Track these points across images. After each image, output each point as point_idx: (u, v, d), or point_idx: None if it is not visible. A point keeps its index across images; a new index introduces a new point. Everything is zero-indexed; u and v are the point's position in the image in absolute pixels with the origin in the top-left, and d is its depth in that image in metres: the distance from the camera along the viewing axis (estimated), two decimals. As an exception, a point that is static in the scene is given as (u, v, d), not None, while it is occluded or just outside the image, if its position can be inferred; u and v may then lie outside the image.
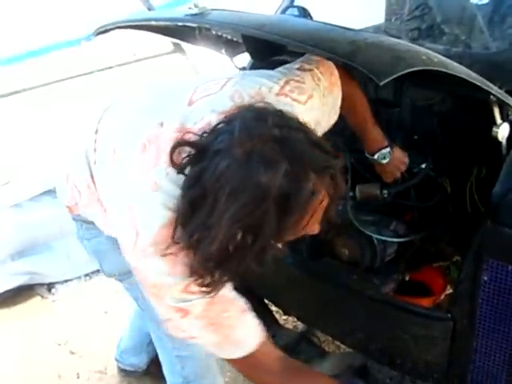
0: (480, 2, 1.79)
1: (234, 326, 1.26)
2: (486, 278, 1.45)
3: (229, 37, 1.77)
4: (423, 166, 1.80)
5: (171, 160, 1.11)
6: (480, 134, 1.75)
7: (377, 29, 1.88)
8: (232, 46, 1.86)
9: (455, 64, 1.20)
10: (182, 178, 1.11)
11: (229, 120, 1.08)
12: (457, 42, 1.71)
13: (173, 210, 1.12)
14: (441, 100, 1.70)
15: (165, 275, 1.16)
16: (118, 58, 3.44)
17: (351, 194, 1.77)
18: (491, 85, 1.30)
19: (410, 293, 1.90)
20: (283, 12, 1.80)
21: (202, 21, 1.31)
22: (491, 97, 1.38)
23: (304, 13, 1.70)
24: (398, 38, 1.76)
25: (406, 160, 1.73)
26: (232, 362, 1.32)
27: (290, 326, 2.38)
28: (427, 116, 1.81)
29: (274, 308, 2.28)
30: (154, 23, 1.47)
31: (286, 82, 1.25)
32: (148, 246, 1.15)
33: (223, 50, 1.91)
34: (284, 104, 1.20)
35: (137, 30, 1.67)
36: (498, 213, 1.42)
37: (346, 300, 1.73)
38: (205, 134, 1.10)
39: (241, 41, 1.69)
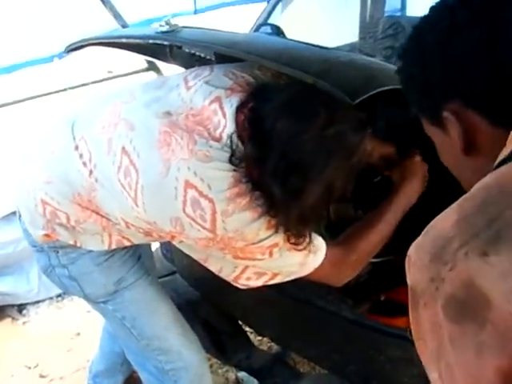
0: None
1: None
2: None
3: (202, 54, 1.75)
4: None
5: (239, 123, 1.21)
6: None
7: (351, 47, 1.87)
8: (205, 64, 1.85)
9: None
10: (222, 146, 1.22)
11: (277, 104, 1.15)
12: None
13: (232, 169, 1.20)
14: (414, 119, 1.69)
15: (250, 223, 1.22)
16: (93, 75, 3.41)
17: (325, 213, 1.74)
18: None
19: (384, 312, 1.84)
20: (257, 30, 1.79)
21: (174, 39, 1.29)
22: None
23: (277, 31, 1.69)
24: (372, 56, 1.76)
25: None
26: (316, 273, 1.38)
27: (265, 346, 2.34)
28: (401, 134, 1.80)
29: (248, 329, 2.24)
30: (125, 41, 1.45)
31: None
32: (226, 206, 1.20)
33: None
34: None
35: (110, 48, 1.66)
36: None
37: (321, 321, 1.70)
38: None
39: (213, 58, 1.68)
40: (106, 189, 1.36)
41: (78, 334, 2.67)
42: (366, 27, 2.13)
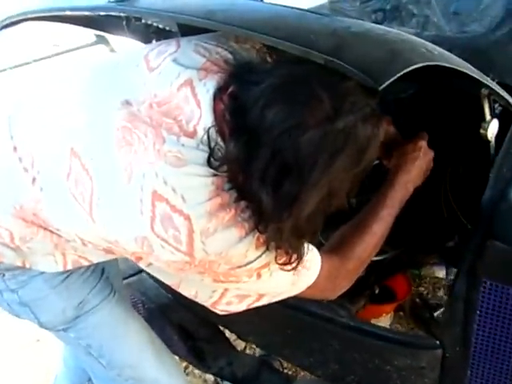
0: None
1: None
2: (482, 300, 1.25)
3: (160, 26, 1.49)
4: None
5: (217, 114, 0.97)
6: (456, 129, 1.57)
7: (334, 11, 1.63)
8: (163, 36, 1.59)
9: (453, 56, 0.97)
10: (197, 143, 0.97)
11: (264, 87, 0.90)
12: (428, 25, 1.49)
13: (212, 174, 0.96)
14: (414, 92, 1.48)
15: (236, 243, 0.98)
16: (36, 50, 3.07)
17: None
18: (488, 78, 1.09)
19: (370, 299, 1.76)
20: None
21: (131, 9, 1.03)
22: (482, 90, 1.17)
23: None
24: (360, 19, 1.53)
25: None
26: (309, 290, 1.16)
27: (249, 350, 2.14)
28: (396, 110, 1.59)
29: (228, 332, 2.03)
30: (69, 13, 1.18)
31: None
32: (206, 223, 0.96)
33: (154, 41, 1.63)
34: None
35: (52, 22, 1.39)
36: (491, 225, 1.22)
37: (316, 328, 1.51)
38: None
39: (175, 29, 1.42)
40: (54, 200, 1.10)
41: (38, 340, 2.42)
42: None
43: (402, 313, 2.26)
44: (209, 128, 0.96)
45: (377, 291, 1.80)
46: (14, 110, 1.20)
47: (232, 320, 1.77)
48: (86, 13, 1.17)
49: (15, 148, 1.12)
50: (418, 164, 1.30)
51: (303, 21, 0.89)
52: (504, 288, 1.21)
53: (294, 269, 1.02)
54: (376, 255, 1.55)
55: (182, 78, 1.02)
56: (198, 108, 0.99)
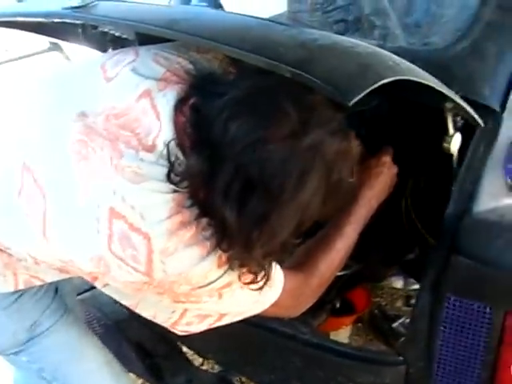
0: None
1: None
2: (446, 316, 1.23)
3: (117, 33, 1.44)
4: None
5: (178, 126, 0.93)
6: (417, 141, 1.56)
7: (294, 21, 1.61)
8: (120, 44, 1.54)
9: (419, 69, 0.96)
10: (156, 158, 0.92)
11: (227, 100, 0.87)
12: (390, 37, 1.48)
13: (172, 190, 0.92)
14: (376, 105, 1.47)
15: (197, 263, 0.94)
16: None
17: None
18: (453, 92, 1.08)
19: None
20: (186, 2, 1.48)
21: (88, 16, 0.98)
22: (447, 104, 1.16)
23: (214, 3, 1.39)
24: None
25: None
26: (272, 309, 1.12)
27: (207, 366, 2.09)
28: (355, 121, 1.58)
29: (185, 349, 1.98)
30: (21, 20, 1.12)
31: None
32: (165, 242, 0.91)
33: (110, 49, 1.58)
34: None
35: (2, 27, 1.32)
36: (455, 240, 1.21)
37: (277, 345, 1.48)
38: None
39: (133, 38, 1.38)
40: (4, 217, 1.05)
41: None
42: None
43: (360, 324, 2.26)
44: (169, 142, 0.92)
45: (338, 305, 1.78)
46: None
47: (191, 337, 1.74)
48: (40, 19, 1.11)
49: None
50: (382, 179, 1.28)
51: (270, 32, 0.85)
52: (468, 303, 1.20)
53: (260, 288, 0.99)
54: (339, 270, 1.54)
55: (140, 88, 0.98)
56: (157, 120, 0.94)
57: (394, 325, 2.07)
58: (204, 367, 2.06)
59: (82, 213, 0.94)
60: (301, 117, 0.85)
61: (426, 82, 0.91)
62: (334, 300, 1.73)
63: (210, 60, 1.04)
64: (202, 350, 1.77)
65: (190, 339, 1.74)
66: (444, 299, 1.22)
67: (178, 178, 0.90)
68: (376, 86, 0.75)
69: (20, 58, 2.91)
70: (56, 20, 1.04)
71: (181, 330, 1.12)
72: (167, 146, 0.91)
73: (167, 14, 0.96)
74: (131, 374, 2.09)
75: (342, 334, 2.00)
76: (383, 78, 0.78)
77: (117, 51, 1.09)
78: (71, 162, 0.95)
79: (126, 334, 1.83)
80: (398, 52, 1.40)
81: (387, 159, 1.30)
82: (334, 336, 1.90)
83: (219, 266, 0.95)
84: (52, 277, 1.15)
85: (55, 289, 1.30)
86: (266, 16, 1.92)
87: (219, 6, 1.47)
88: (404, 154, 1.49)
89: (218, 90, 0.88)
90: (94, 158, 0.93)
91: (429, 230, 1.53)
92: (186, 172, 0.89)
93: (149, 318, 1.10)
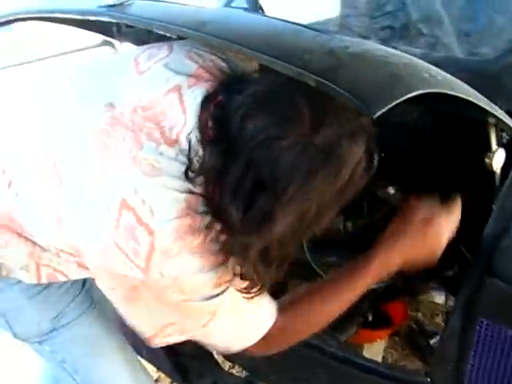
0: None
1: (253, 308, 1.05)
2: (477, 340, 1.18)
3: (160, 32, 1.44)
4: (391, 190, 1.53)
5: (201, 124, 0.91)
6: (463, 157, 1.50)
7: (341, 27, 1.57)
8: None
9: (459, 82, 0.91)
10: (176, 153, 0.92)
11: (248, 95, 0.87)
12: (438, 46, 1.43)
13: (187, 190, 0.90)
14: (418, 116, 1.42)
15: (195, 273, 0.93)
16: (40, 51, 2.99)
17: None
18: (495, 106, 1.03)
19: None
20: (228, 4, 1.46)
21: (122, 15, 0.98)
22: (489, 119, 1.11)
23: (255, 6, 1.37)
24: (366, 38, 1.47)
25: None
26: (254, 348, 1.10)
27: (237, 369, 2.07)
28: (399, 132, 1.53)
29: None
30: (59, 16, 1.13)
31: None
32: (170, 243, 0.90)
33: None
34: None
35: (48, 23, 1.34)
36: (491, 262, 1.15)
37: (303, 356, 1.44)
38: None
39: (175, 37, 1.37)
40: (27, 202, 1.06)
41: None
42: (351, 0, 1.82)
43: (397, 338, 2.20)
44: (190, 135, 0.91)
45: (370, 318, 1.73)
46: None
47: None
48: (76, 16, 1.11)
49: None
50: (427, 235, 1.12)
51: (298, 38, 0.83)
52: (501, 329, 1.14)
53: (251, 297, 0.97)
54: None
55: (170, 83, 0.97)
56: (183, 115, 0.94)
57: (432, 341, 2.01)
58: (233, 371, 2.04)
59: (95, 200, 0.94)
60: (315, 117, 0.83)
61: (465, 97, 0.86)
62: (367, 313, 1.68)
63: (243, 59, 1.02)
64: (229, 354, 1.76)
65: None
66: (476, 322, 1.17)
67: (194, 175, 0.90)
68: (404, 98, 0.72)
69: (72, 51, 2.95)
70: (91, 18, 1.04)
71: (157, 342, 1.09)
72: (189, 140, 0.91)
73: (197, 15, 0.95)
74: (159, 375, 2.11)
75: (377, 347, 1.95)
76: (414, 91, 0.74)
77: (151, 45, 1.08)
78: (93, 151, 0.95)
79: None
80: (444, 62, 1.37)
81: (440, 221, 1.14)
82: (368, 349, 1.86)
83: (215, 286, 0.94)
84: (74, 272, 1.15)
85: (83, 281, 1.30)
86: (317, 20, 1.90)
87: (260, 9, 1.45)
88: (447, 167, 1.44)
89: (241, 87, 0.88)
90: (114, 147, 0.93)
91: (469, 248, 1.47)
92: (201, 166, 0.89)
93: (130, 325, 1.09)
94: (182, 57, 1.02)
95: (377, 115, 0.69)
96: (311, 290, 1.15)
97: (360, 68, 0.76)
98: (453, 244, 1.52)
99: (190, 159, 0.90)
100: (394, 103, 0.71)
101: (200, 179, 0.89)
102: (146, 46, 1.08)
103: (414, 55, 1.21)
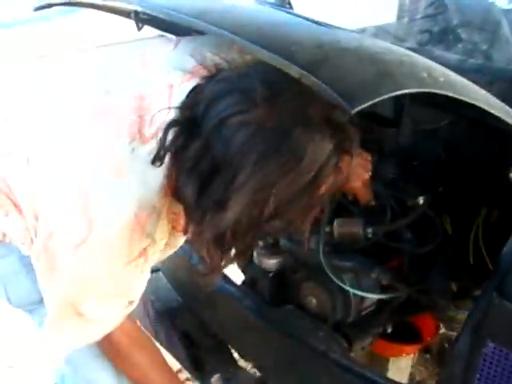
0: (508, 6, 1.44)
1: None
2: (483, 363, 1.12)
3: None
4: (421, 200, 1.47)
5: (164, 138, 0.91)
6: (496, 168, 1.43)
7: (379, 29, 1.52)
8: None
9: (471, 86, 0.86)
10: (146, 152, 0.93)
11: (220, 80, 0.90)
12: (475, 52, 1.36)
13: (134, 201, 0.94)
14: (450, 123, 1.36)
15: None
16: (99, 38, 3.05)
17: (327, 229, 1.43)
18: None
19: (392, 337, 1.62)
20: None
21: (135, 2, 0.99)
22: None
23: (282, 1, 1.35)
24: (403, 41, 1.42)
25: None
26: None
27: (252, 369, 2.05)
28: (431, 141, 1.47)
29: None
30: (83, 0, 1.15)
31: None
32: (100, 245, 0.97)
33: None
34: None
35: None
36: (503, 282, 1.09)
37: (308, 360, 1.42)
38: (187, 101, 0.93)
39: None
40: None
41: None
42: (405, 5, 1.77)
43: (428, 355, 2.13)
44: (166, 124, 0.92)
45: (389, 330, 1.67)
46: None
47: (231, 335, 1.73)
48: (95, 1, 1.13)
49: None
50: None
51: (294, 31, 0.81)
52: (508, 353, 1.07)
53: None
54: (384, 292, 1.45)
55: (167, 78, 0.99)
56: (167, 110, 0.94)
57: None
58: (250, 369, 2.03)
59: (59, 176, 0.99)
60: (269, 97, 0.82)
61: (466, 99, 0.81)
62: (386, 324, 1.62)
63: (247, 59, 1.01)
64: (240, 350, 1.75)
65: (230, 337, 1.75)
66: (483, 345, 1.10)
67: (159, 159, 0.92)
68: (386, 96, 0.68)
69: (129, 41, 3.00)
70: (108, 4, 1.06)
71: None
72: (165, 128, 0.91)
73: (202, 5, 0.94)
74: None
75: (404, 363, 1.89)
76: (401, 89, 0.71)
77: (161, 39, 1.12)
78: (78, 131, 0.99)
79: (175, 320, 1.84)
80: (480, 69, 1.31)
81: None
82: (393, 363, 1.80)
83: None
84: None
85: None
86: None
87: (288, 4, 1.43)
88: (477, 180, 1.38)
89: (218, 76, 0.91)
90: (94, 139, 0.97)
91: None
92: (162, 146, 0.90)
93: None
94: (185, 53, 1.04)
95: (355, 111, 0.66)
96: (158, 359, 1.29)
97: (347, 63, 0.73)
98: (481, 263, 1.46)
99: (162, 145, 0.91)
100: (375, 100, 0.67)
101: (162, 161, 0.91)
102: (156, 40, 1.12)
103: (449, 61, 1.17)
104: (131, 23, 1.42)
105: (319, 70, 0.70)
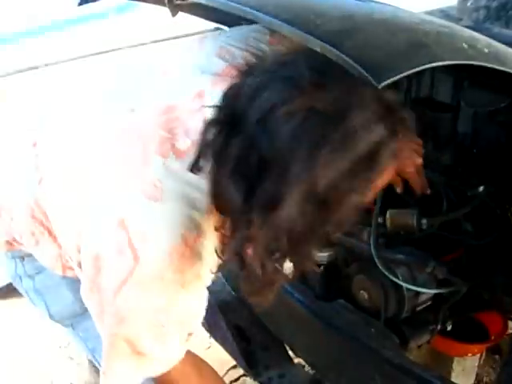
0: None
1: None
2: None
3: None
4: (481, 188, 1.38)
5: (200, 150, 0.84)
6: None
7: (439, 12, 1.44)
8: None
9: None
10: (184, 167, 0.87)
11: (258, 73, 0.81)
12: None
13: (179, 220, 0.88)
14: (509, 105, 1.27)
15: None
16: (153, 34, 3.07)
17: (380, 220, 1.36)
18: None
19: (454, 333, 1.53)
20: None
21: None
22: None
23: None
24: (459, 20, 1.34)
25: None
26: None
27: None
28: (490, 126, 1.38)
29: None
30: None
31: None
32: (150, 275, 0.89)
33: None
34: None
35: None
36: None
37: (359, 356, 1.36)
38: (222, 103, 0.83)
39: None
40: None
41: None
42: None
43: (497, 356, 2.02)
44: (208, 122, 0.84)
45: (449, 327, 1.59)
46: (39, 121, 1.17)
47: (284, 331, 1.69)
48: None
49: (37, 155, 1.09)
50: None
51: (325, 4, 0.75)
52: None
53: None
54: (441, 286, 1.37)
55: (194, 86, 0.94)
56: (201, 123, 0.86)
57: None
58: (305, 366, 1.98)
59: (98, 206, 0.94)
60: (316, 82, 0.74)
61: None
62: (444, 322, 1.53)
63: (281, 50, 0.95)
64: (292, 345, 1.71)
65: (283, 333, 1.72)
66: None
67: (196, 160, 0.85)
68: (419, 69, 0.62)
69: (185, 35, 3.01)
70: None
71: None
72: (205, 129, 0.84)
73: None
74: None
75: (469, 363, 1.80)
76: (437, 61, 0.64)
77: (186, 40, 1.07)
78: (105, 157, 0.95)
79: (228, 315, 1.82)
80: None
81: None
82: (458, 363, 1.72)
83: None
84: None
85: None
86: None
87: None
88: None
89: (254, 69, 0.83)
90: (122, 158, 0.92)
91: None
92: (202, 147, 0.83)
93: None
94: (212, 54, 0.99)
95: (382, 85, 0.61)
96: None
97: (377, 34, 0.67)
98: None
99: (200, 152, 0.85)
100: (406, 73, 0.62)
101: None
102: (179, 43, 1.08)
103: (507, 37, 1.08)
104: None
105: (344, 42, 0.65)
